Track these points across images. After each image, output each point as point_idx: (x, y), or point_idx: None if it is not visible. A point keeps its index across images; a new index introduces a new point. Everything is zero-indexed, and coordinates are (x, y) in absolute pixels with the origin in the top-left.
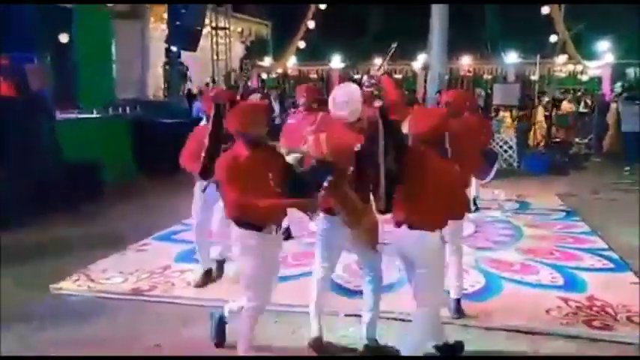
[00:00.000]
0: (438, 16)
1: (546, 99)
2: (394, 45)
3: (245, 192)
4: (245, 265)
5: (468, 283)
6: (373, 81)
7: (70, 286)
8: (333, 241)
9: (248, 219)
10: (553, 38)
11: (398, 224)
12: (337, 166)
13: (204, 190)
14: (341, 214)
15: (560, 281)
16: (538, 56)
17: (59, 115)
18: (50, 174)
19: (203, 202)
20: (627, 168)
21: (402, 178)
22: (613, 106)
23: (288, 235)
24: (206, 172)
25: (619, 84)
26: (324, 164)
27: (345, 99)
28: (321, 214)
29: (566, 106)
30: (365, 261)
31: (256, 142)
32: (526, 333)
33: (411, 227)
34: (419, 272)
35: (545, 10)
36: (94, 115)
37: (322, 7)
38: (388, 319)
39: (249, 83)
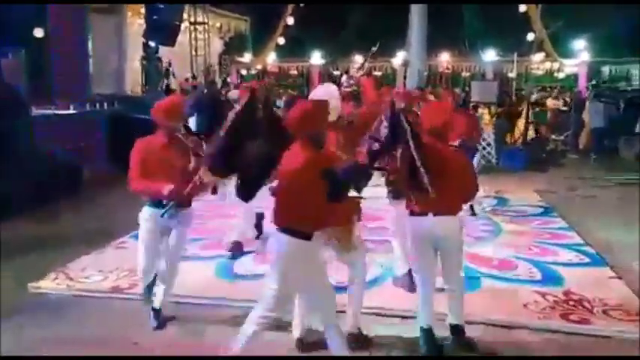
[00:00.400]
0: (417, 13)
1: (534, 95)
2: (374, 48)
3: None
4: (278, 277)
5: None
6: (352, 81)
7: (49, 284)
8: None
9: (303, 226)
10: (530, 36)
11: (422, 213)
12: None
13: (162, 215)
14: None
15: (538, 276)
16: (515, 54)
17: (35, 111)
18: (26, 171)
19: (155, 238)
20: (594, 156)
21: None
22: (588, 103)
23: None
24: (220, 171)
25: (593, 82)
26: (363, 167)
27: (324, 98)
28: None
29: (551, 102)
30: (345, 258)
31: (322, 143)
32: (503, 327)
33: (436, 214)
34: (450, 253)
35: (522, 8)
36: (70, 111)
37: (301, 4)
38: (377, 315)
39: (228, 79)
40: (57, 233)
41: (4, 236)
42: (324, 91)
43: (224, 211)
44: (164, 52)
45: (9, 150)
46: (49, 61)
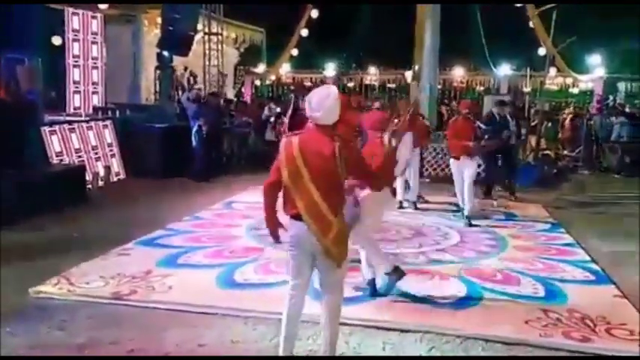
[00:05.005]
0: (429, 27)
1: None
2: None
3: None
4: None
5: (448, 291)
6: None
7: (50, 289)
8: (302, 249)
9: None
10: (542, 51)
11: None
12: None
13: None
14: (308, 221)
15: (541, 292)
16: (528, 69)
17: (48, 118)
18: (35, 176)
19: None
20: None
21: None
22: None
23: None
24: None
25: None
26: None
27: (317, 100)
28: (289, 220)
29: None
30: (326, 279)
31: None
32: (504, 343)
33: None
34: None
35: (531, 24)
36: (82, 118)
37: (314, 15)
38: (375, 328)
39: (242, 89)
40: (61, 239)
41: (7, 241)
42: (319, 93)
43: (228, 220)
44: (186, 63)
45: (19, 156)
46: (65, 69)
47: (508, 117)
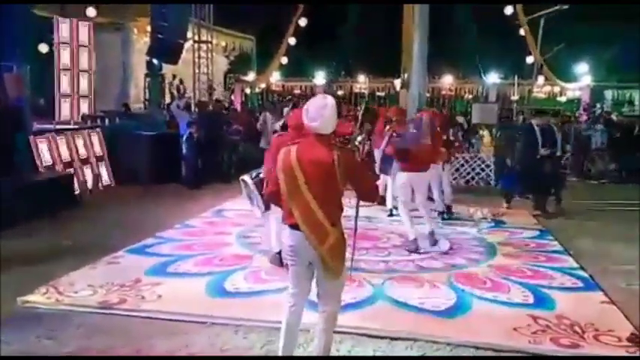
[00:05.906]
0: (418, 35)
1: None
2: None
3: None
4: None
5: (438, 299)
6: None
7: (38, 298)
8: (300, 258)
9: None
10: (530, 59)
11: None
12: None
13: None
14: (305, 230)
15: (531, 299)
16: (516, 77)
17: (36, 126)
18: (23, 184)
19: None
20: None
21: None
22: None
23: None
24: None
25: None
26: None
27: (314, 109)
28: (288, 229)
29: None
30: (324, 289)
31: None
32: (493, 350)
33: None
34: None
35: (521, 31)
36: (71, 126)
37: (302, 23)
38: (366, 336)
39: (232, 97)
40: (50, 248)
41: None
42: (316, 103)
43: (218, 228)
44: (175, 71)
45: (7, 164)
46: (53, 77)
47: (554, 128)
